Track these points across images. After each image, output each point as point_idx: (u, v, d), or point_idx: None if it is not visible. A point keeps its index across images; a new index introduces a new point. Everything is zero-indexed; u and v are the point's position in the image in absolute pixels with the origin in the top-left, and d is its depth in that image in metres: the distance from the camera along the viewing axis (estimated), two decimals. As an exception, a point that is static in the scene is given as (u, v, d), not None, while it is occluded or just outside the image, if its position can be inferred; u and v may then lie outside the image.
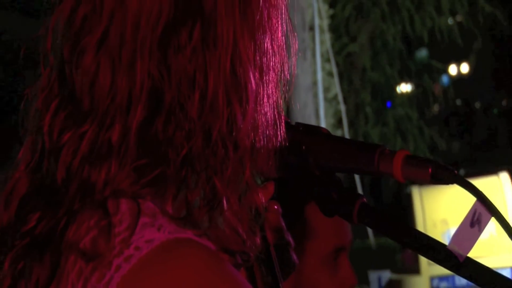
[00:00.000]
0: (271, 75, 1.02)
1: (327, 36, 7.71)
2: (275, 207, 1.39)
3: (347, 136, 7.04)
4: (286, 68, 1.06)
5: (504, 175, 4.94)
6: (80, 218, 0.92)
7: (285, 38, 1.06)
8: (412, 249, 1.10)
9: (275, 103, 1.03)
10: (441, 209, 4.80)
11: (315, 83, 6.39)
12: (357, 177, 8.29)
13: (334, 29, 13.66)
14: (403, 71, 16.82)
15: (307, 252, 1.81)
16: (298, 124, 1.11)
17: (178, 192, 0.94)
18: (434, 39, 16.46)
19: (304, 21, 6.36)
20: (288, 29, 1.06)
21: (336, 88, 7.76)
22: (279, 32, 1.04)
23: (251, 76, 0.97)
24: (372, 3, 15.91)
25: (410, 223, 4.81)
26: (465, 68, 25.46)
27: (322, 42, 7.06)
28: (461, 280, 4.68)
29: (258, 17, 0.99)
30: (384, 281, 4.89)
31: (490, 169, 5.16)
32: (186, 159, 0.93)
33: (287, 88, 1.05)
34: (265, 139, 1.00)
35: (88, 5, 0.97)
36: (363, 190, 7.94)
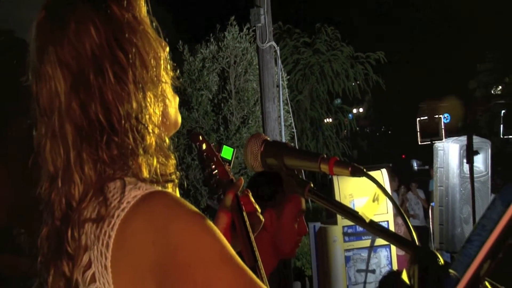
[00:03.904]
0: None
1: (286, 91, 7.72)
2: (246, 192, 1.30)
3: (297, 147, 7.03)
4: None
5: (384, 170, 4.89)
6: (89, 204, 0.86)
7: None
8: (336, 212, 1.06)
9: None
10: (349, 187, 4.75)
11: (279, 116, 6.37)
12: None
13: (290, 86, 13.68)
14: (328, 111, 16.84)
15: (286, 211, 1.80)
16: (275, 141, 1.07)
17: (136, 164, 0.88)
18: (345, 93, 16.53)
19: (273, 82, 6.37)
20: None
21: (291, 120, 7.75)
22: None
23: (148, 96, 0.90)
24: (310, 73, 15.99)
25: (331, 195, 4.76)
26: (361, 110, 25.58)
27: (283, 94, 7.04)
28: (360, 227, 4.66)
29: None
30: (316, 229, 4.85)
31: (376, 166, 5.07)
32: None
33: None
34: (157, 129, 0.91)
35: None
36: (305, 174, 7.92)
